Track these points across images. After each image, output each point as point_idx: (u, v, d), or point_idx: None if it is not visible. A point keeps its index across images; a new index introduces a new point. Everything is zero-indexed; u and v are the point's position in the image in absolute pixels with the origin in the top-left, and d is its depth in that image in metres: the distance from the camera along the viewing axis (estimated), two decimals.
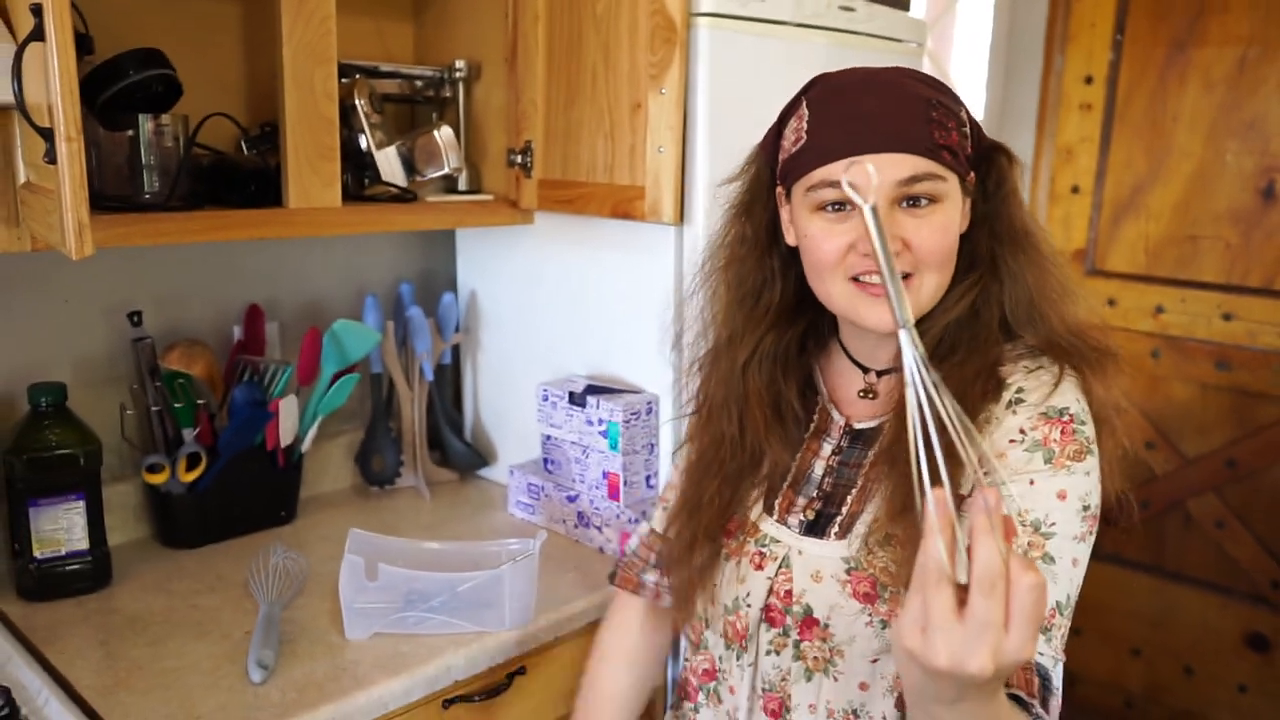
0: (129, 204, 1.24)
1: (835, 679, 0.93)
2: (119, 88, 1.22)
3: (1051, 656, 0.81)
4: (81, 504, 1.33)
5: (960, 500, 0.66)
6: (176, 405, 1.44)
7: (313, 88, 1.32)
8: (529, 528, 1.58)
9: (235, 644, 1.22)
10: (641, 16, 1.35)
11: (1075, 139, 2.42)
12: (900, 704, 0.91)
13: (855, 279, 0.89)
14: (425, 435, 1.77)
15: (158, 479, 1.43)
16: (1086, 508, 0.84)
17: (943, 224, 0.87)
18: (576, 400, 1.51)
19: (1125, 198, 2.37)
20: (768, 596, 0.96)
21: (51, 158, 0.83)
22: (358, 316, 1.68)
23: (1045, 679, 0.80)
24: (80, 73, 1.21)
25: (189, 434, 1.46)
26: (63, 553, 1.32)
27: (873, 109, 0.87)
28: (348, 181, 1.47)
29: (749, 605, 0.97)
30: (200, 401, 1.45)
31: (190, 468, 1.45)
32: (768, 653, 0.97)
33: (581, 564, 1.47)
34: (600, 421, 1.48)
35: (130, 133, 1.24)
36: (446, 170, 1.52)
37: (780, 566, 0.96)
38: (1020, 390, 0.88)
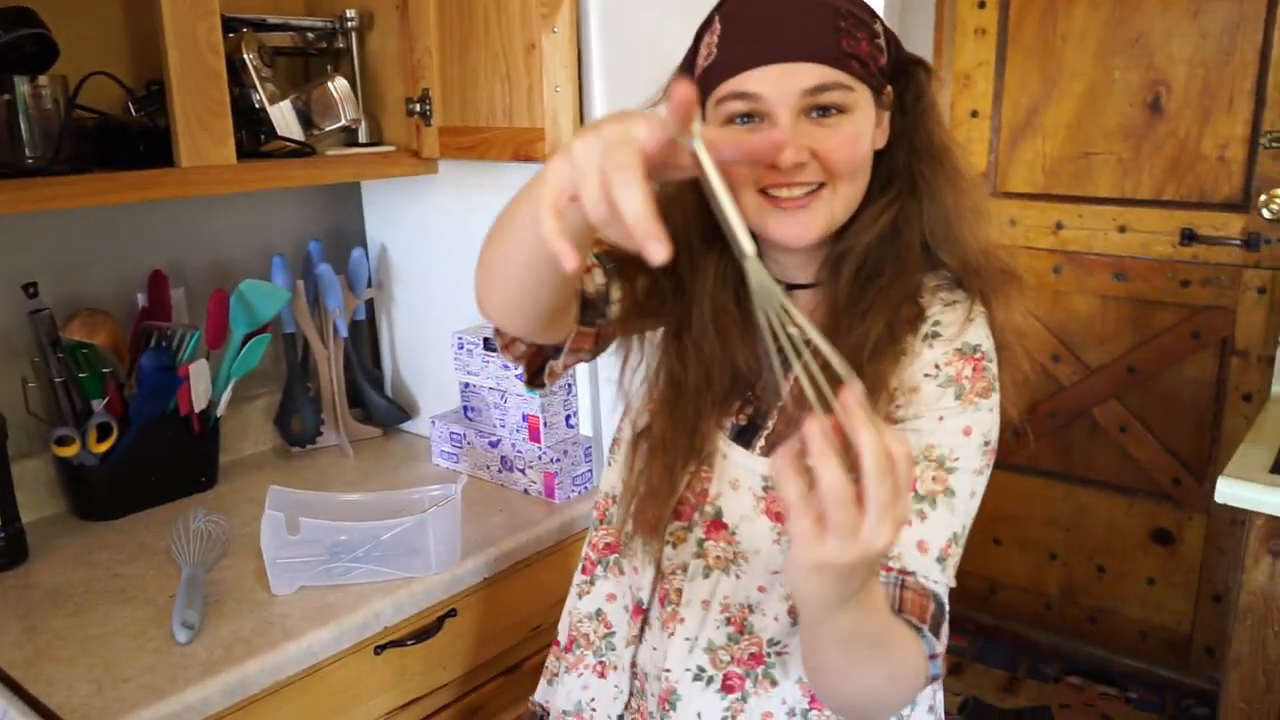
0: (11, 170, 1.20)
1: (737, 577, 0.95)
2: None
3: (945, 584, 0.84)
4: None
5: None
6: (81, 375, 1.41)
7: (196, 41, 1.29)
8: (453, 476, 1.59)
9: (160, 608, 1.22)
10: None
11: (972, 64, 2.47)
12: (793, 611, 0.94)
13: (764, 192, 0.87)
14: (344, 393, 1.76)
15: (68, 451, 1.41)
16: (987, 443, 0.87)
17: (851, 134, 0.85)
18: (491, 345, 1.52)
19: (1022, 119, 2.43)
20: (683, 490, 0.97)
21: None
22: (266, 277, 1.66)
23: (940, 605, 0.84)
24: None
25: (98, 405, 1.44)
26: None
27: (779, 18, 0.85)
28: (242, 138, 1.44)
29: (657, 494, 0.97)
30: (106, 370, 1.43)
31: (101, 438, 1.42)
32: (666, 542, 0.98)
33: (507, 506, 1.49)
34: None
35: (6, 96, 1.20)
36: (344, 122, 1.50)
37: (701, 464, 0.96)
38: (937, 324, 0.89)
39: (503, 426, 1.55)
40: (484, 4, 1.42)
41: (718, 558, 0.96)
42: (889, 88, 0.91)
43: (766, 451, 0.94)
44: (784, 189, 0.86)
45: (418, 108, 1.54)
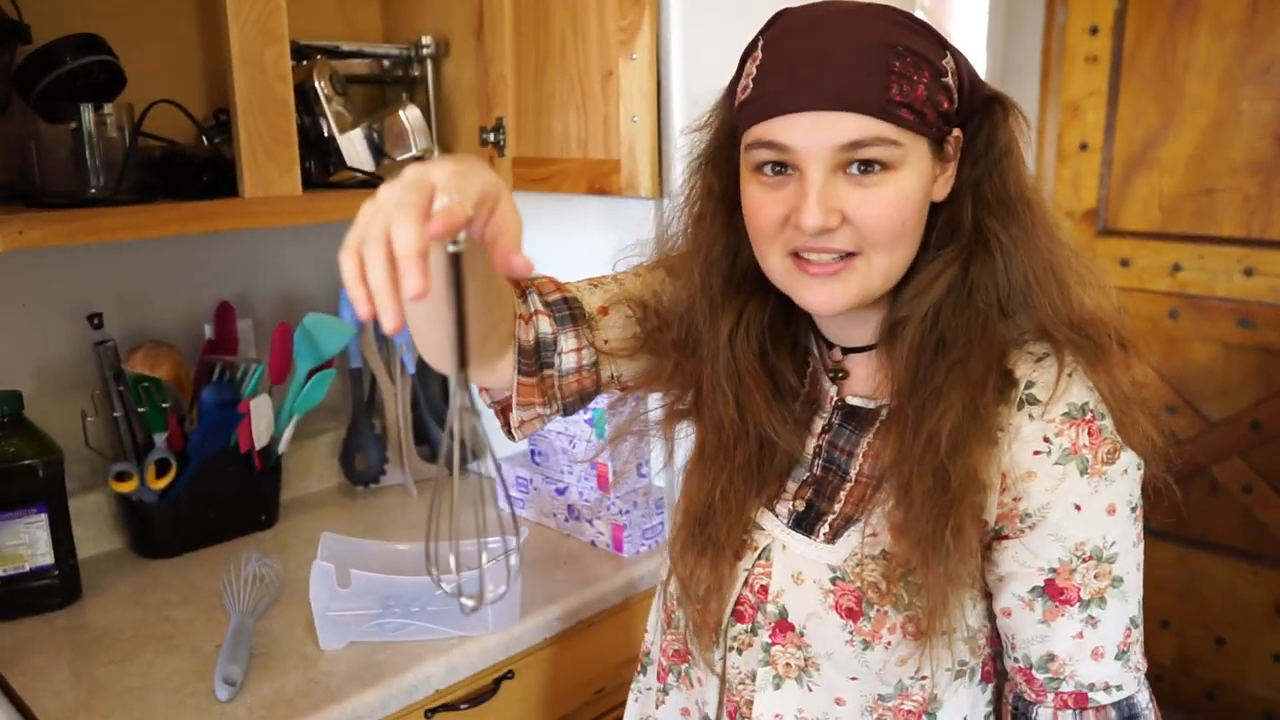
0: (74, 200, 1.17)
1: (810, 689, 0.85)
2: (55, 76, 1.15)
3: (1131, 676, 0.78)
4: (44, 517, 1.27)
5: None
6: (142, 410, 1.38)
7: (264, 68, 1.24)
8: (519, 523, 1.51)
9: (205, 659, 1.16)
10: None
11: (1082, 93, 2.32)
12: None
13: (795, 254, 0.77)
14: (411, 430, 1.70)
15: (126, 487, 1.37)
16: (1134, 508, 0.77)
17: (893, 196, 0.73)
18: None
19: (1136, 153, 2.27)
20: (741, 588, 0.87)
21: None
22: (335, 309, 1.62)
23: (1131, 715, 0.78)
24: (14, 62, 1.15)
25: (160, 439, 1.40)
26: (26, 569, 1.26)
27: (822, 56, 0.72)
28: (310, 168, 1.40)
29: (710, 592, 0.88)
30: (167, 405, 1.39)
31: (160, 474, 1.39)
32: (730, 648, 0.89)
33: (572, 559, 1.41)
34: (585, 409, 1.40)
35: (72, 124, 1.17)
36: (415, 152, 1.45)
37: (759, 558, 0.87)
38: (1030, 386, 0.76)
39: (570, 473, 1.47)
40: (560, 28, 1.35)
41: (788, 665, 0.85)
42: (956, 132, 0.78)
43: (831, 539, 0.83)
44: (813, 254, 0.76)
45: (491, 137, 1.48)
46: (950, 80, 0.75)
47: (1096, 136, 2.32)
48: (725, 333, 0.86)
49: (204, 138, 1.39)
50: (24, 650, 1.19)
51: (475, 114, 1.51)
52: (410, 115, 1.43)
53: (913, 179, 0.74)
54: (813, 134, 0.72)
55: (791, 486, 0.87)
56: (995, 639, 0.85)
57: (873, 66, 0.71)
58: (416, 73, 1.57)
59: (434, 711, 1.17)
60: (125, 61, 1.24)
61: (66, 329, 1.41)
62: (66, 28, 1.19)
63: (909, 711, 0.82)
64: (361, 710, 1.08)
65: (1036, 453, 0.75)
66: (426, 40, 1.53)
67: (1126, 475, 0.76)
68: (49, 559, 1.28)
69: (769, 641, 0.86)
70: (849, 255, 0.75)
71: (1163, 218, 2.26)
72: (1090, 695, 0.78)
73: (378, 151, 1.45)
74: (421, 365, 1.70)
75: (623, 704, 1.37)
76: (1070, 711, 0.78)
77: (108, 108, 1.19)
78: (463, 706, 1.19)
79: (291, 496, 1.63)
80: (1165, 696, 2.45)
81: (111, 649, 1.19)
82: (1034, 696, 0.80)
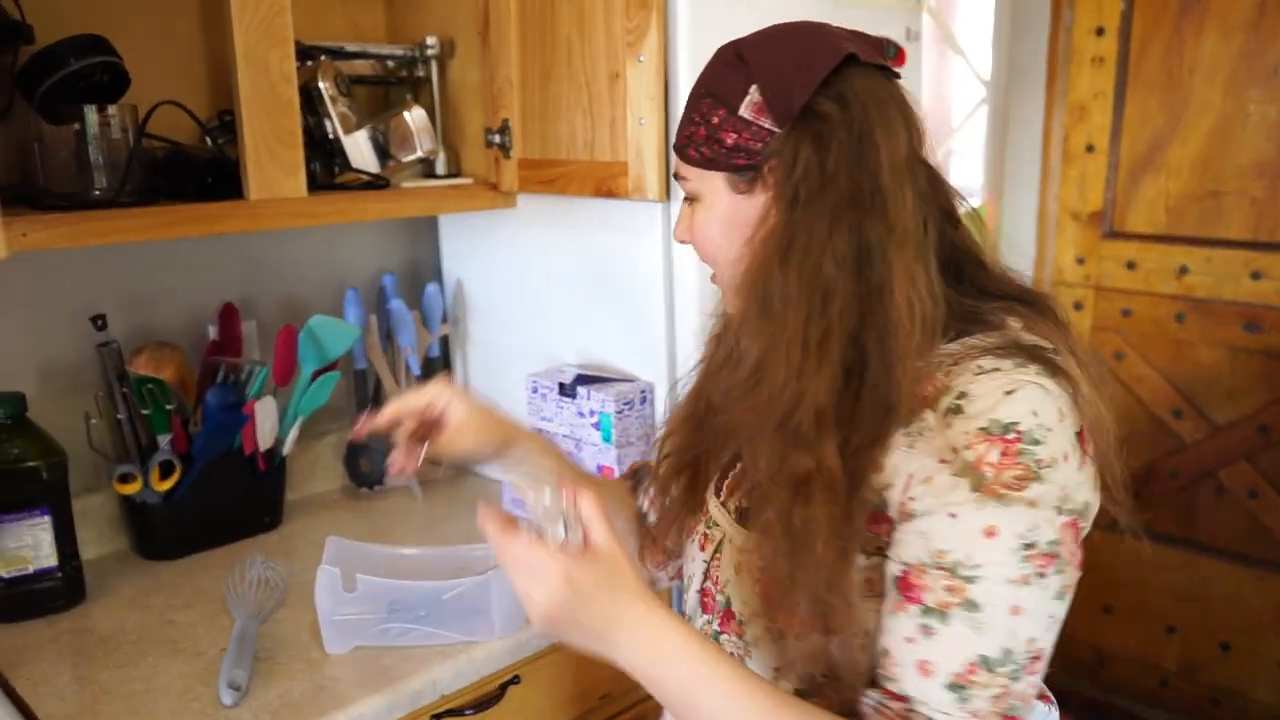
0: (77, 201, 1.17)
1: None
2: (58, 78, 1.14)
3: (963, 717, 0.71)
4: (48, 519, 1.26)
5: None
6: (145, 411, 1.37)
7: (268, 69, 1.24)
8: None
9: (209, 662, 1.15)
10: None
11: (1088, 95, 2.31)
12: None
13: None
14: None
15: (130, 489, 1.37)
16: (1030, 545, 0.70)
17: (701, 221, 0.85)
18: (566, 391, 1.43)
19: (1143, 155, 2.26)
20: (704, 580, 0.92)
21: None
22: (339, 310, 1.61)
23: None
24: (17, 63, 1.15)
25: (164, 440, 1.39)
26: (30, 571, 1.26)
27: None
28: (316, 170, 1.39)
29: (690, 584, 0.95)
30: (171, 406, 1.38)
31: (164, 476, 1.38)
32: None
33: None
34: (592, 413, 1.40)
35: (75, 126, 1.17)
36: (419, 154, 1.45)
37: (715, 551, 0.91)
38: (962, 396, 0.72)
39: None
40: (567, 31, 1.34)
41: (731, 654, 0.87)
42: (768, 165, 0.79)
43: (746, 520, 0.87)
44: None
45: (497, 139, 1.47)
46: (749, 114, 0.79)
47: (1103, 138, 2.31)
48: (715, 333, 0.96)
49: (208, 139, 1.38)
50: (27, 653, 1.19)
51: (481, 115, 1.50)
52: (415, 116, 1.42)
53: (710, 209, 0.84)
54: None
55: (747, 485, 0.89)
56: None
57: (689, 107, 0.84)
58: (421, 74, 1.56)
59: (440, 716, 1.16)
60: (129, 62, 1.23)
61: (70, 330, 1.40)
62: (70, 28, 1.19)
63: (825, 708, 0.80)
64: (368, 715, 1.07)
65: (942, 461, 0.72)
66: (431, 41, 1.53)
67: (1033, 510, 0.70)
68: (52, 561, 1.27)
69: (719, 630, 0.89)
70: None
71: (1169, 220, 2.25)
72: (913, 705, 0.72)
73: (383, 153, 1.45)
74: (427, 367, 1.70)
75: (628, 709, 1.37)
76: (879, 699, 0.74)
77: (111, 109, 1.18)
78: (468, 712, 1.18)
79: (296, 498, 1.63)
80: (1170, 702, 2.44)
81: (115, 652, 1.18)
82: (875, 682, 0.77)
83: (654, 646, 0.74)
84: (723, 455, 0.94)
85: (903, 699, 0.73)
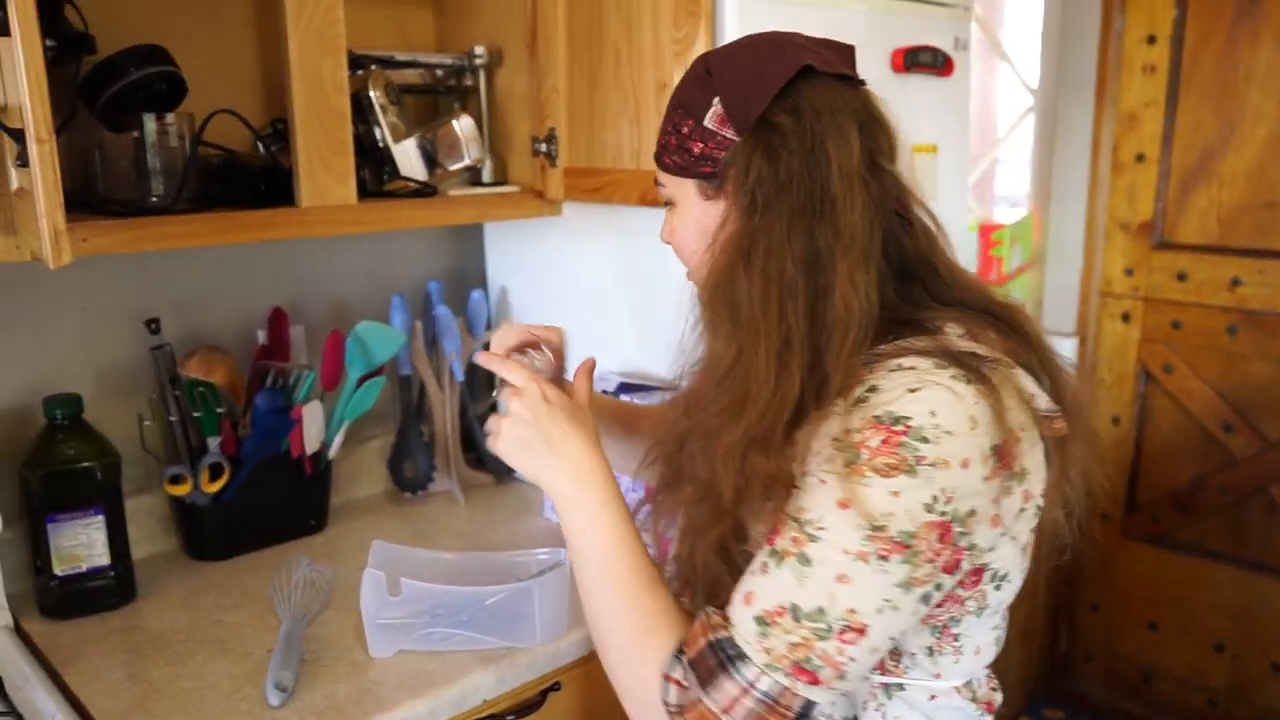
0: (135, 208, 1.19)
1: None
2: (119, 87, 1.17)
3: (756, 652, 0.77)
4: (101, 519, 1.29)
5: None
6: (196, 414, 1.39)
7: (321, 79, 1.26)
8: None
9: (256, 663, 1.17)
10: None
11: (1139, 104, 2.28)
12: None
13: None
14: (459, 438, 1.71)
15: (180, 490, 1.39)
16: (879, 528, 0.73)
17: (676, 226, 0.91)
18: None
19: (1194, 164, 2.23)
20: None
21: (24, 161, 0.78)
22: (386, 316, 1.63)
23: (723, 658, 0.78)
24: (80, 73, 1.18)
25: (214, 443, 1.42)
26: (84, 569, 1.29)
27: None
28: (365, 177, 1.41)
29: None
30: (221, 410, 1.41)
31: (213, 478, 1.40)
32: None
33: None
34: None
35: (134, 134, 1.19)
36: (467, 162, 1.46)
37: None
38: (872, 389, 0.77)
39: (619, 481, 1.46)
40: (614, 40, 1.35)
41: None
42: (732, 171, 0.83)
43: None
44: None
45: (543, 147, 1.48)
46: (712, 124, 0.84)
47: (1154, 148, 2.27)
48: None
49: (261, 146, 1.40)
50: (81, 649, 1.21)
51: (528, 124, 1.52)
52: (464, 125, 1.44)
53: (684, 214, 0.90)
54: None
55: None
56: (890, 662, 0.86)
57: (664, 121, 0.89)
58: (469, 82, 1.58)
59: None
60: (186, 71, 1.26)
61: (125, 334, 1.43)
62: (130, 39, 1.21)
63: None
64: (411, 719, 1.08)
65: (835, 440, 0.77)
66: (480, 50, 1.54)
67: (893, 498, 0.73)
68: (105, 560, 1.30)
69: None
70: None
71: (1221, 231, 2.21)
72: (729, 617, 0.80)
73: (431, 161, 1.46)
74: (470, 373, 1.71)
75: None
76: (716, 620, 0.81)
77: (169, 117, 1.21)
78: (509, 718, 1.19)
79: (340, 502, 1.65)
80: None
81: (165, 650, 1.21)
82: None
83: (580, 471, 0.92)
84: None
85: (724, 618, 0.80)
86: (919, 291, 0.86)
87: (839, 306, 0.79)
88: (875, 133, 0.84)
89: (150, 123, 1.18)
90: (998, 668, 0.96)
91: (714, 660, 0.78)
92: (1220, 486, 2.29)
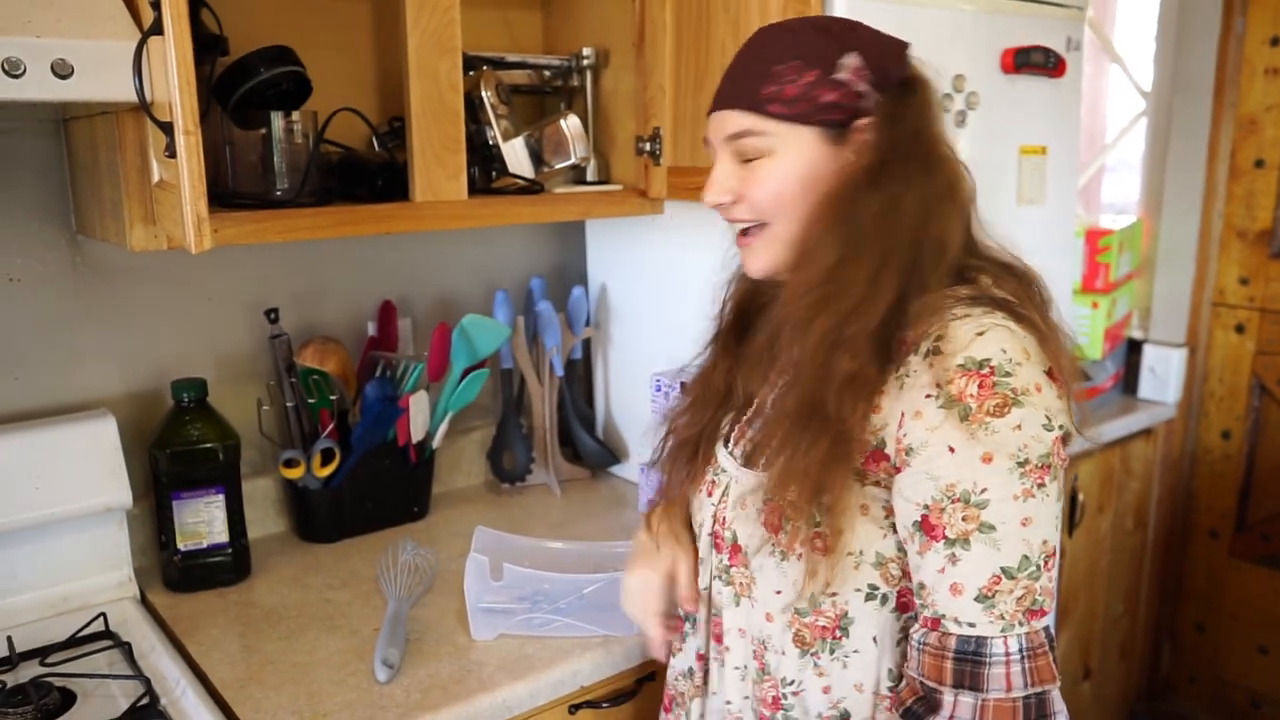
0: (261, 201, 1.25)
1: (751, 604, 0.95)
2: (250, 86, 1.23)
3: (992, 623, 0.80)
4: (221, 498, 1.35)
5: None
6: (311, 401, 1.45)
7: (438, 79, 1.30)
8: None
9: (364, 640, 1.21)
10: None
11: (1259, 107, 2.19)
12: (799, 641, 0.92)
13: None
14: (556, 431, 1.74)
15: (294, 474, 1.45)
16: (1024, 462, 0.79)
17: (770, 175, 0.90)
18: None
19: None
20: (713, 524, 1.00)
21: (171, 151, 0.83)
22: (489, 311, 1.67)
23: (973, 650, 0.80)
24: (214, 73, 1.24)
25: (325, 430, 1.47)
26: (204, 545, 1.35)
27: (730, 67, 0.93)
28: (475, 174, 1.45)
29: (701, 530, 1.03)
30: (334, 397, 1.46)
31: (325, 463, 1.46)
32: (714, 577, 1.01)
33: None
34: None
35: (262, 131, 1.25)
36: (573, 160, 1.49)
37: (723, 494, 0.99)
38: (940, 339, 0.83)
39: None
40: (721, 40, 1.36)
41: (741, 584, 0.96)
42: (862, 120, 0.89)
43: (766, 466, 0.92)
44: (732, 225, 0.97)
45: (648, 146, 1.50)
46: (846, 75, 0.88)
47: (1274, 153, 2.19)
48: (729, 291, 1.08)
49: (377, 144, 1.45)
50: (200, 620, 1.27)
51: (632, 124, 1.54)
52: (571, 124, 1.47)
53: (791, 161, 0.89)
54: (715, 129, 0.94)
55: (751, 433, 0.99)
56: None
57: (755, 72, 0.90)
58: (575, 83, 1.61)
59: (577, 708, 1.19)
60: (310, 72, 1.31)
61: (246, 323, 1.50)
62: (260, 41, 1.27)
63: (823, 627, 0.90)
64: (511, 701, 1.11)
65: (927, 396, 0.81)
66: (587, 51, 1.57)
67: (1019, 431, 0.79)
68: (224, 537, 1.36)
69: (728, 563, 0.98)
70: (763, 225, 0.93)
71: None
72: (943, 622, 0.82)
73: (537, 159, 1.49)
74: (569, 369, 1.74)
75: None
76: (924, 630, 0.83)
77: (295, 115, 1.26)
78: (605, 705, 1.21)
79: (441, 491, 1.69)
80: None
81: (279, 625, 1.26)
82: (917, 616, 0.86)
83: None
84: (725, 417, 1.04)
85: (936, 621, 0.82)
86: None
87: (936, 242, 0.86)
88: None
89: (277, 120, 1.24)
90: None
91: (967, 664, 0.81)
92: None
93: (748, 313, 1.05)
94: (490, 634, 1.21)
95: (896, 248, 0.86)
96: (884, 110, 0.89)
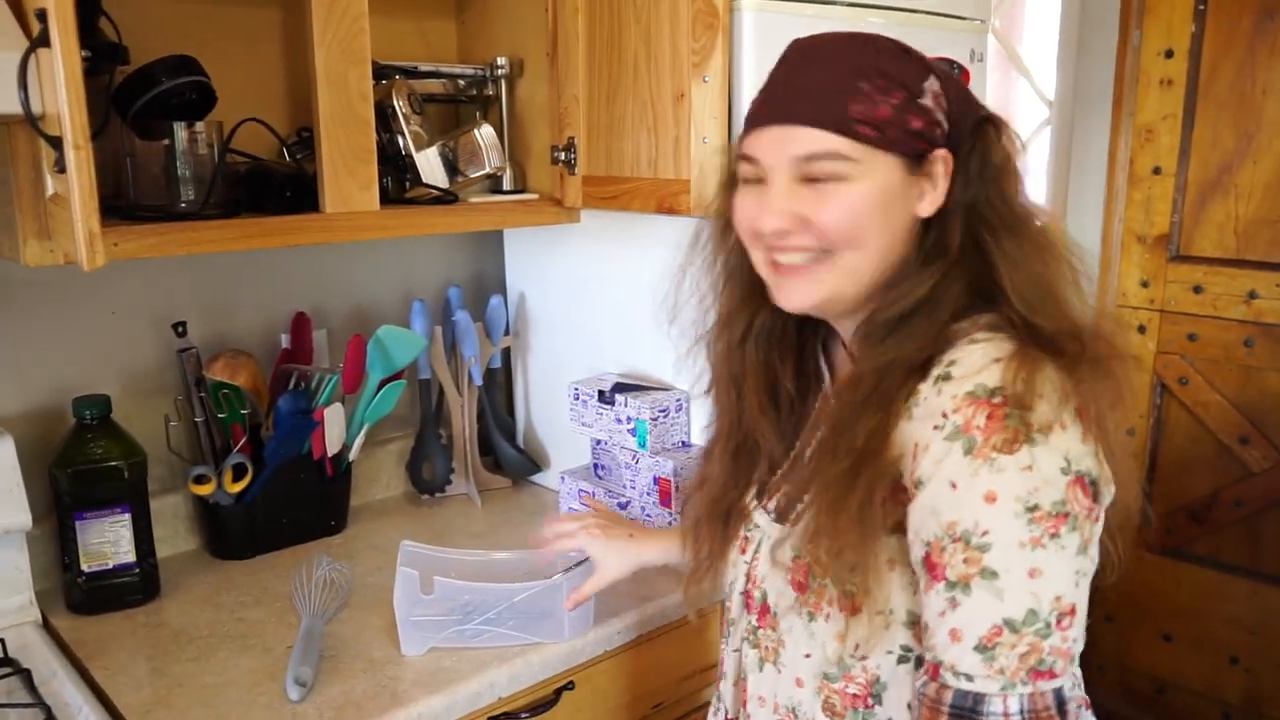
0: (165, 213, 1.22)
1: (779, 671, 0.91)
2: (151, 96, 1.20)
3: (990, 678, 0.73)
4: (128, 517, 1.32)
5: None
6: (221, 416, 1.42)
7: (347, 89, 1.29)
8: None
9: (276, 659, 1.19)
10: (683, 2, 1.29)
11: (1156, 117, 2.28)
12: (829, 709, 0.87)
13: (773, 259, 0.85)
14: (476, 441, 1.73)
15: (204, 490, 1.42)
16: (1033, 508, 0.71)
17: (846, 199, 0.80)
18: (605, 398, 1.47)
19: (1212, 177, 2.23)
20: (745, 583, 0.95)
21: (61, 166, 0.81)
22: (406, 321, 1.66)
23: (973, 709, 0.74)
24: (114, 83, 1.21)
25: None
26: (110, 566, 1.32)
27: (797, 76, 0.82)
28: (388, 185, 1.44)
29: (732, 589, 0.98)
30: (245, 411, 1.44)
31: (236, 479, 1.43)
32: (743, 639, 0.97)
33: (634, 574, 1.41)
34: (628, 419, 1.44)
35: (165, 141, 1.22)
36: (488, 170, 1.49)
37: (755, 551, 0.94)
38: (951, 364, 0.76)
39: (633, 488, 1.48)
40: (634, 51, 1.37)
41: (768, 648, 0.91)
42: (942, 152, 0.82)
43: (795, 521, 0.87)
44: (782, 255, 0.84)
45: (562, 156, 1.51)
46: (929, 102, 0.81)
47: (1170, 160, 2.28)
48: (736, 337, 0.96)
49: (286, 154, 1.43)
50: (106, 644, 1.24)
51: (547, 133, 1.54)
52: (485, 134, 1.46)
53: (871, 189, 0.80)
54: (775, 148, 0.81)
55: (786, 488, 0.93)
56: None
57: (838, 87, 0.79)
58: (490, 92, 1.61)
59: (496, 719, 1.19)
60: (215, 81, 1.29)
61: (152, 337, 1.47)
62: (161, 50, 1.25)
63: (854, 695, 0.85)
64: (427, 715, 1.10)
65: (935, 427, 0.75)
66: (501, 61, 1.57)
67: (1029, 472, 0.71)
68: (131, 557, 1.32)
69: (756, 624, 0.93)
70: (823, 255, 0.82)
71: (1238, 244, 2.21)
72: (941, 671, 0.76)
73: (452, 168, 1.49)
74: (489, 378, 1.73)
75: (681, 718, 1.38)
76: (925, 679, 0.78)
77: (199, 126, 1.24)
78: (523, 715, 1.21)
79: (359, 503, 1.67)
80: None
81: (188, 646, 1.23)
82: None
83: None
84: (755, 474, 0.98)
85: (936, 670, 0.76)
86: None
87: (1003, 283, 0.80)
88: None
89: (180, 131, 1.21)
90: None
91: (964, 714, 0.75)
92: (1236, 500, 2.29)
93: (773, 364, 0.95)
94: (421, 648, 1.19)
95: (951, 261, 0.82)
96: (960, 144, 0.83)
